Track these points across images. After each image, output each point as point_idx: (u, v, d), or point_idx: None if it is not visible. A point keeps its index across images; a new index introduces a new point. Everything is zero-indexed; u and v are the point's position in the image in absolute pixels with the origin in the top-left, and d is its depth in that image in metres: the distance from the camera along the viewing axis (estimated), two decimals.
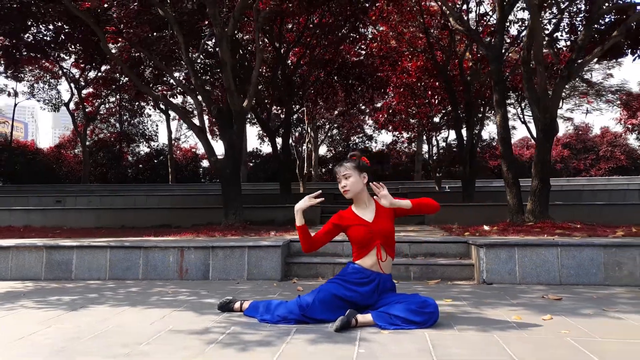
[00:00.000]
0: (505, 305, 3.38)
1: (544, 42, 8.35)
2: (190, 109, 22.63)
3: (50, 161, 25.70)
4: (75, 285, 4.36)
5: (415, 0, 12.71)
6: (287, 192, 12.55)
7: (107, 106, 27.51)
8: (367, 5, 12.09)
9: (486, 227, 6.59)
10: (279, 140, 12.82)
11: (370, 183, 3.05)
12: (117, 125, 28.95)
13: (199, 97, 7.87)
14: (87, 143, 27.33)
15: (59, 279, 4.69)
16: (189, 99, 26.48)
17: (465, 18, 12.38)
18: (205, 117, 13.56)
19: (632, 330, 2.67)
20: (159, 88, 12.48)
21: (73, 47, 10.15)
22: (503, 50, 10.38)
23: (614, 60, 22.43)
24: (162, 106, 24.59)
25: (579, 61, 6.97)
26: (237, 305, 3.13)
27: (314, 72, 14.50)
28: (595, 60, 18.32)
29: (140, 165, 29.06)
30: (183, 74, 14.26)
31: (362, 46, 14.89)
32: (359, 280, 2.91)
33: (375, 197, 3.07)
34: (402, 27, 14.33)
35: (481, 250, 4.43)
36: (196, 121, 8.54)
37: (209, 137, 9.46)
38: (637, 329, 2.69)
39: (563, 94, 27.32)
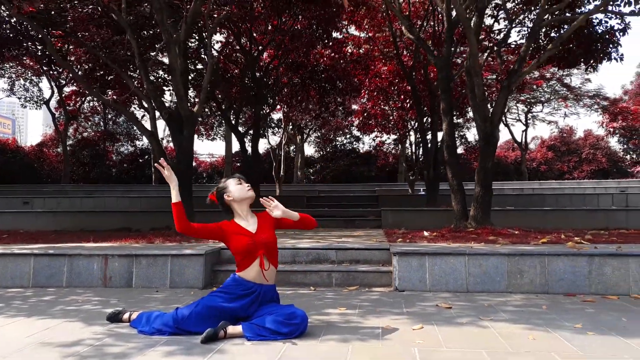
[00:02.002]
0: (393, 314, 3.52)
1: (494, 51, 8.51)
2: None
3: (31, 160, 25.64)
4: None
5: (384, 7, 12.84)
6: (256, 195, 12.65)
7: (90, 104, 27.50)
8: (334, 10, 12.19)
9: (426, 233, 6.74)
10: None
11: (260, 199, 3.20)
12: (101, 123, 28.93)
13: (152, 102, 7.96)
14: (70, 142, 27.37)
15: None
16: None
17: (434, 23, 12.54)
18: None
19: (483, 339, 2.81)
20: (109, 93, 12.53)
21: (33, 46, 10.17)
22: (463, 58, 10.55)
23: (590, 66, 22.70)
24: (145, 105, 24.57)
25: (520, 72, 7.12)
26: (126, 316, 3.24)
27: (287, 75, 14.62)
28: (556, 68, 18.48)
29: (125, 165, 29.10)
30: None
31: (335, 49, 15.00)
32: (240, 292, 3.01)
33: (258, 212, 3.21)
34: (374, 31, 14.47)
35: (395, 258, 4.58)
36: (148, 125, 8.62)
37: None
38: (489, 337, 2.83)
39: (543, 98, 27.61)
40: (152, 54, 9.20)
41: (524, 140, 29.16)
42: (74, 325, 3.19)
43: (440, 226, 7.65)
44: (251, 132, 13.52)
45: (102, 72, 10.58)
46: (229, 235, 3.09)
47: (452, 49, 8.40)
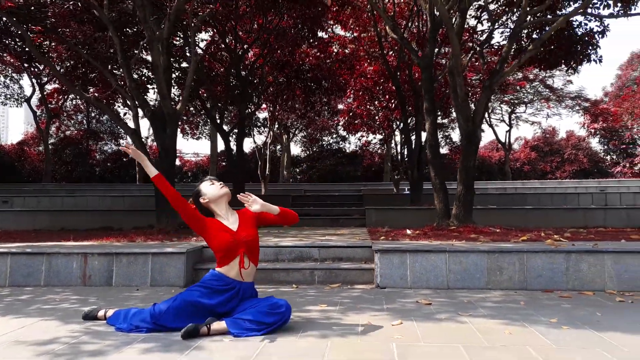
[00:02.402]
0: (373, 310, 3.53)
1: (477, 52, 8.59)
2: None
3: (12, 159, 25.21)
4: None
5: (369, 7, 12.88)
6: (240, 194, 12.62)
7: (73, 102, 27.12)
8: (320, 9, 12.20)
9: (408, 231, 6.78)
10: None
11: (237, 195, 3.19)
12: (85, 122, 28.55)
13: (135, 100, 7.89)
14: (52, 140, 26.96)
15: None
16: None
17: (419, 24, 12.62)
18: None
19: (461, 334, 2.84)
20: (90, 90, 12.38)
21: (12, 42, 9.96)
22: (446, 58, 10.63)
23: (572, 67, 23.09)
24: (128, 103, 24.31)
25: (502, 72, 7.20)
26: (101, 313, 3.20)
27: (273, 74, 14.59)
28: (537, 70, 18.80)
29: (109, 164, 28.74)
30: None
31: (321, 48, 15.01)
32: (219, 287, 2.99)
33: (239, 210, 3.21)
34: (359, 31, 14.51)
35: (376, 255, 4.60)
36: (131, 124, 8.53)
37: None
38: (467, 332, 2.86)
39: (527, 99, 27.96)
40: (135, 51, 9.09)
41: (507, 140, 29.50)
42: (49, 323, 3.14)
43: (423, 225, 7.71)
44: (236, 131, 13.43)
45: (83, 70, 10.43)
46: (210, 230, 3.06)
47: (436, 49, 8.45)
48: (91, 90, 13.49)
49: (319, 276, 4.86)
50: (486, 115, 25.61)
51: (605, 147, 31.13)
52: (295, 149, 31.02)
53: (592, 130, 30.09)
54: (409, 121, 12.62)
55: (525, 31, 9.77)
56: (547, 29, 9.58)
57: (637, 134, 30.62)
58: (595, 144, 31.14)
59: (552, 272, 4.30)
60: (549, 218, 8.43)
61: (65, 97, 24.34)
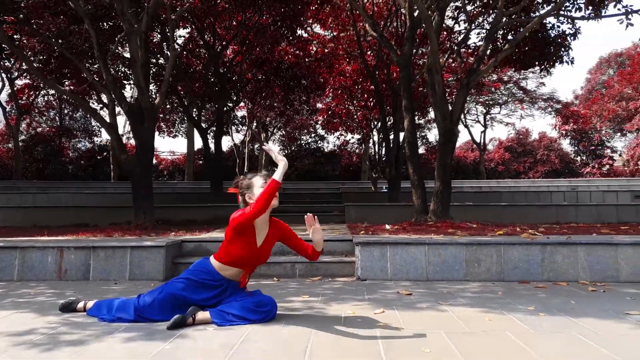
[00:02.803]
0: (355, 300, 3.56)
1: (454, 51, 8.73)
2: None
3: None
4: None
5: (349, 5, 12.94)
6: (218, 191, 12.53)
7: (45, 98, 26.46)
8: (299, 7, 12.20)
9: (387, 226, 6.84)
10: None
11: (306, 215, 3.01)
12: (57, 119, 27.90)
13: (112, 94, 7.75)
14: (23, 137, 26.22)
15: None
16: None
17: (395, 24, 12.75)
18: None
19: (442, 321, 2.89)
20: (66, 83, 12.10)
21: None
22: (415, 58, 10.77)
23: (545, 69, 23.71)
24: (104, 99, 23.86)
25: (479, 71, 7.34)
26: (80, 305, 3.14)
27: (252, 71, 14.52)
28: (513, 70, 19.26)
29: (82, 162, 28.12)
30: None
31: (300, 46, 15.01)
32: (207, 282, 2.92)
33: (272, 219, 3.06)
34: (338, 30, 14.56)
35: (357, 248, 4.63)
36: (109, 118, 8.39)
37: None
38: (447, 320, 2.91)
39: (501, 100, 28.52)
40: (111, 46, 8.92)
41: (482, 141, 30.01)
42: (25, 315, 3.07)
43: (401, 220, 7.78)
44: (214, 128, 13.31)
45: (56, 64, 10.16)
46: (241, 236, 2.86)
47: (414, 49, 8.53)
48: (66, 83, 13.16)
49: (300, 269, 4.87)
50: (462, 115, 26.04)
51: (576, 148, 32.01)
52: (274, 148, 30.91)
53: (564, 132, 30.92)
54: (387, 120, 12.71)
55: (501, 32, 9.97)
56: (521, 30, 9.84)
57: (606, 135, 31.60)
58: (566, 145, 32.01)
59: (528, 264, 4.41)
60: (523, 214, 8.62)
61: (37, 93, 23.73)
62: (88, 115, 29.05)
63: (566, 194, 12.35)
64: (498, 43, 10.18)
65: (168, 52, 13.05)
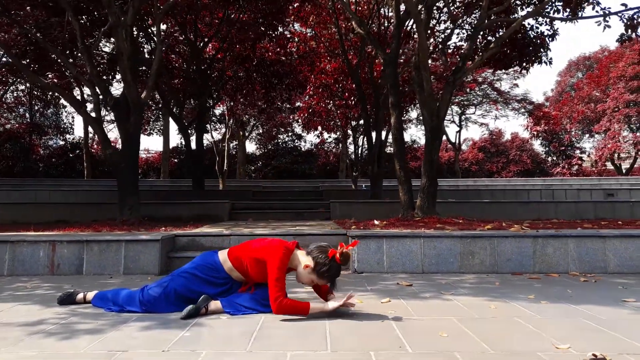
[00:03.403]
0: (358, 291, 3.61)
1: (438, 50, 8.88)
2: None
3: None
4: None
5: (331, 3, 13.01)
6: (200, 189, 12.41)
7: (14, 94, 25.68)
8: (282, 4, 12.19)
9: (376, 222, 6.91)
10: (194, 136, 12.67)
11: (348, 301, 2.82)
12: (27, 115, 27.08)
13: (96, 88, 7.60)
14: None
15: None
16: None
17: (378, 23, 12.89)
18: None
19: (449, 309, 2.97)
20: (49, 76, 11.79)
21: None
22: (411, 56, 10.92)
23: (513, 72, 24.41)
24: (78, 97, 23.30)
25: (464, 69, 7.49)
26: (79, 296, 3.09)
27: (233, 68, 14.42)
28: (491, 70, 19.79)
29: (54, 159, 27.35)
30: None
31: (282, 44, 14.98)
32: (214, 280, 2.91)
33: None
34: (320, 28, 14.61)
35: None
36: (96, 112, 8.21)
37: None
38: (455, 308, 2.99)
39: (476, 100, 29.09)
40: (91, 40, 8.74)
41: (458, 141, 30.52)
42: (30, 307, 3.01)
43: (387, 217, 7.88)
44: (194, 125, 13.17)
45: (33, 57, 9.85)
46: (282, 268, 2.79)
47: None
48: (49, 76, 12.79)
49: None
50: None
51: (547, 148, 32.91)
52: (250, 147, 30.83)
53: (535, 133, 31.72)
54: (369, 118, 12.81)
55: (481, 33, 10.20)
56: (500, 31, 10.08)
57: (575, 136, 32.59)
58: (537, 145, 32.87)
59: (520, 256, 4.54)
60: (505, 211, 8.84)
61: (5, 88, 23.00)
62: (60, 112, 28.38)
63: (543, 192, 12.68)
64: (477, 43, 10.40)
65: (148, 47, 12.88)
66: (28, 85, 24.66)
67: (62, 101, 27.05)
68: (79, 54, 9.55)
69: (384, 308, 3.00)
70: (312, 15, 13.90)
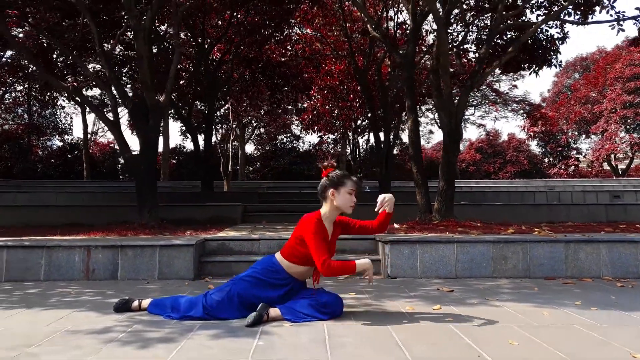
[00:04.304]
0: (403, 297, 3.64)
1: (452, 53, 8.94)
2: (108, 102, 21.48)
3: None
4: None
5: (338, 5, 13.04)
6: (209, 191, 12.39)
7: (13, 95, 25.49)
8: (291, 6, 12.21)
9: (396, 225, 6.95)
10: (202, 138, 12.65)
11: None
12: (25, 116, 26.88)
13: (114, 91, 7.58)
14: None
15: None
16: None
17: (385, 25, 12.93)
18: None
19: (505, 316, 3.00)
20: (69, 79, 11.73)
21: None
22: (418, 58, 10.99)
23: (512, 74, 24.62)
24: (77, 98, 23.19)
25: (481, 72, 7.55)
26: (135, 304, 3.09)
27: (239, 70, 14.42)
28: (499, 72, 19.98)
29: (52, 160, 27.20)
30: (97, 66, 13.60)
31: (288, 46, 15.01)
32: (275, 282, 2.94)
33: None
34: (326, 30, 14.65)
35: (386, 247, 4.71)
36: (111, 115, 8.19)
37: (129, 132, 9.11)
38: (508, 314, 3.03)
39: (475, 102, 29.26)
40: (108, 45, 8.70)
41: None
42: (87, 314, 3.01)
43: (401, 219, 7.91)
44: (203, 127, 13.15)
45: (50, 57, 9.80)
46: (317, 236, 2.88)
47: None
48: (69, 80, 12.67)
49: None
50: (436, 116, 26.57)
51: (543, 149, 33.13)
52: (249, 148, 30.82)
53: (532, 134, 31.97)
54: (377, 120, 12.86)
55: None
56: (508, 34, 10.16)
57: (572, 137, 32.85)
58: (534, 146, 33.08)
59: (553, 261, 4.59)
60: (516, 213, 8.89)
61: (4, 89, 22.83)
62: (58, 113, 28.21)
63: (548, 194, 12.79)
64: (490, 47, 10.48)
65: (174, 47, 12.82)
66: (26, 85, 24.50)
67: (61, 102, 26.90)
68: (93, 57, 9.53)
69: (438, 315, 3.03)
70: (318, 18, 13.93)
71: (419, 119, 27.59)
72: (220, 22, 13.40)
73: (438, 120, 29.53)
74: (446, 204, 7.52)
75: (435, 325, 2.76)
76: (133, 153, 7.54)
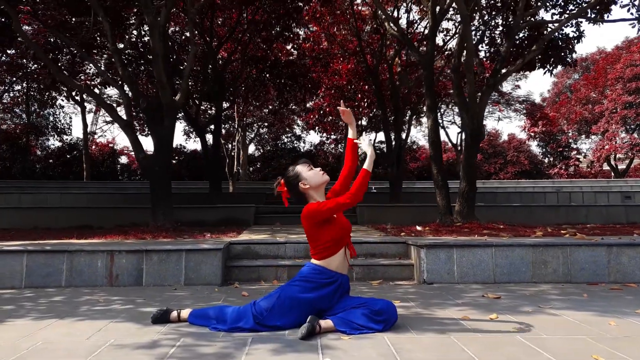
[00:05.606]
0: (451, 305, 3.46)
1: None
2: (110, 102, 21.22)
3: None
4: None
5: (347, 3, 12.88)
6: (217, 192, 12.20)
7: (11, 94, 25.17)
8: (300, 4, 12.04)
9: (419, 228, 6.79)
10: (208, 137, 12.45)
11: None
12: (24, 116, 26.57)
13: (126, 90, 7.38)
14: None
15: None
16: (108, 91, 24.99)
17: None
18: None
19: (569, 325, 2.83)
20: (82, 78, 11.51)
21: None
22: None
23: (515, 74, 24.52)
24: (77, 97, 22.95)
25: (503, 71, 7.40)
26: (174, 314, 2.90)
27: (246, 69, 14.23)
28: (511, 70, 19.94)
29: (51, 160, 26.90)
30: (103, 64, 13.36)
31: (295, 45, 14.83)
32: (323, 281, 2.80)
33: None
34: (334, 29, 14.48)
35: (422, 251, 4.53)
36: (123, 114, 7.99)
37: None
38: (572, 324, 2.86)
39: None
40: (121, 45, 8.51)
41: (460, 142, 30.50)
42: (126, 325, 2.81)
43: (420, 221, 7.75)
44: (210, 128, 12.96)
45: (56, 55, 9.57)
46: (320, 222, 2.83)
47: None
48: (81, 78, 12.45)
49: (357, 272, 4.73)
50: (439, 116, 26.44)
51: (544, 150, 33.06)
52: (249, 148, 30.62)
53: (532, 134, 31.91)
54: (388, 119, 12.70)
55: (498, 32, 10.17)
56: (520, 33, 10.01)
57: (572, 137, 32.81)
58: (534, 147, 33.00)
59: (594, 265, 4.43)
60: (534, 215, 8.76)
61: (3, 88, 22.56)
62: (57, 113, 27.90)
63: (559, 195, 12.66)
64: (500, 47, 10.34)
65: (189, 45, 12.64)
66: (25, 85, 24.22)
67: (60, 102, 26.59)
68: (100, 56, 9.32)
69: (497, 325, 2.86)
70: (327, 16, 13.76)
71: (421, 119, 27.54)
72: (228, 21, 13.21)
73: (441, 121, 29.45)
74: (468, 205, 7.37)
75: (502, 337, 2.58)
76: (148, 153, 7.32)
